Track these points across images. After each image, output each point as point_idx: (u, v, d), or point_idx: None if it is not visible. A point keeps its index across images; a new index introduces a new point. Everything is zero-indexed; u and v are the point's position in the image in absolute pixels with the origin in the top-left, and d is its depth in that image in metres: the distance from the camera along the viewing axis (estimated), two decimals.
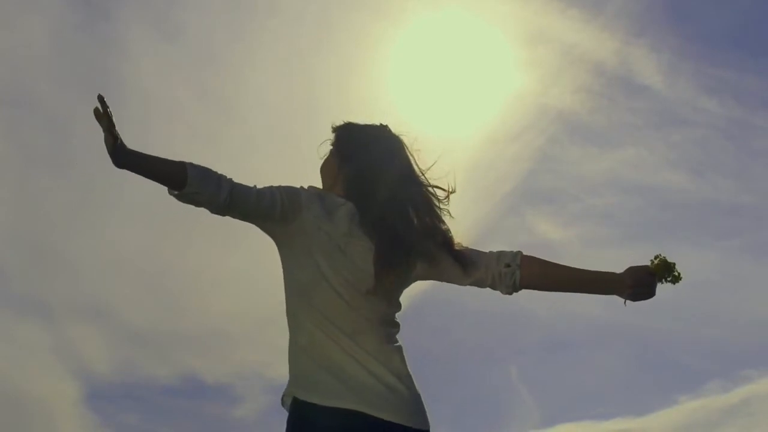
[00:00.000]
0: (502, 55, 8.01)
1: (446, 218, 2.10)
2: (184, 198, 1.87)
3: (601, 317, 9.03)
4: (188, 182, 1.84)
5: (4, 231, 8.19)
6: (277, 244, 2.03)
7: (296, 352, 1.96)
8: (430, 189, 2.10)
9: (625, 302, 2.04)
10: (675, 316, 8.71)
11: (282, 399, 1.98)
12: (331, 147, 2.18)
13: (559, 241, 8.85)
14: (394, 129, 2.15)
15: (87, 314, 8.45)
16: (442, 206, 2.10)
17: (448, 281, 2.15)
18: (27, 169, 8.18)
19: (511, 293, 2.08)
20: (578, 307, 9.07)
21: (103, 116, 1.81)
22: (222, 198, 1.88)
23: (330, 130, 2.20)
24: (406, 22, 7.77)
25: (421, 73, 7.74)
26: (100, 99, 1.82)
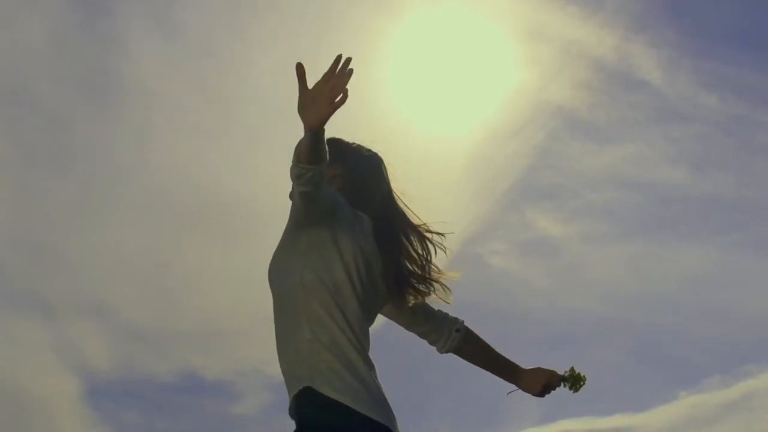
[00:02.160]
0: (501, 51, 8.01)
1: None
2: (312, 171, 1.73)
3: (600, 313, 9.05)
4: (324, 159, 1.74)
5: (4, 229, 8.20)
6: (299, 232, 1.93)
7: (315, 346, 1.85)
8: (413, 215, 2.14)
9: (509, 393, 2.26)
10: (675, 311, 8.72)
11: (297, 397, 1.86)
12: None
13: (559, 237, 8.86)
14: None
15: (87, 312, 8.46)
16: (430, 238, 2.13)
17: (395, 319, 2.23)
18: (27, 168, 8.18)
19: (443, 353, 2.24)
20: (578, 302, 9.08)
21: (346, 77, 1.62)
22: (320, 182, 1.79)
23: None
24: (406, 19, 7.77)
25: (421, 69, 7.74)
26: (347, 61, 1.62)
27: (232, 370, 8.47)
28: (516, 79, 8.05)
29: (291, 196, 1.92)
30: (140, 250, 8.47)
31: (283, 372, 1.94)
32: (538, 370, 2.24)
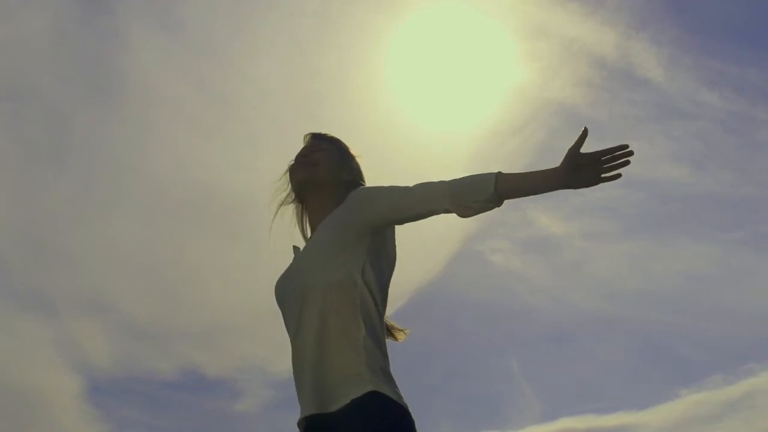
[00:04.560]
0: (502, 48, 8.00)
1: None
2: (490, 208, 1.86)
3: (602, 311, 9.05)
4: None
5: (5, 226, 8.20)
6: (367, 232, 1.93)
7: (369, 344, 1.84)
8: None
9: None
10: (676, 309, 8.72)
11: (361, 400, 1.77)
12: (333, 144, 2.16)
13: (561, 235, 8.86)
14: None
15: (88, 309, 8.47)
16: None
17: None
18: (28, 164, 8.18)
19: None
20: (579, 300, 9.08)
21: (623, 164, 1.79)
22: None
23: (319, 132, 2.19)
24: (407, 16, 7.76)
25: (422, 66, 7.74)
26: (629, 152, 1.78)
27: (234, 368, 8.48)
28: (517, 76, 8.04)
29: (387, 196, 1.93)
30: (141, 247, 8.48)
31: (326, 365, 1.84)
32: None
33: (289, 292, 1.98)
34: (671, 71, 8.54)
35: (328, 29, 7.86)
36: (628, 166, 1.80)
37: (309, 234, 2.13)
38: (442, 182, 1.89)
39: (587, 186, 1.79)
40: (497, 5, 8.03)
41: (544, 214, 8.88)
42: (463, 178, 1.86)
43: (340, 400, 1.79)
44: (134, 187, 8.27)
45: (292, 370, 1.96)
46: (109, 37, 7.80)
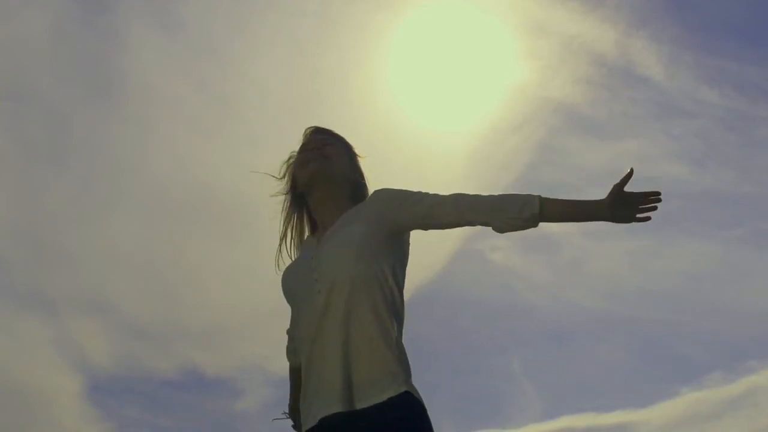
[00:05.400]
0: (502, 46, 7.99)
1: None
2: (527, 228, 1.89)
3: (602, 309, 9.05)
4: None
5: (6, 225, 8.20)
6: (396, 233, 1.95)
7: (400, 342, 1.85)
8: None
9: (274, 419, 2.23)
10: (677, 307, 8.73)
11: (393, 400, 1.74)
12: (339, 141, 2.14)
13: (561, 233, 8.86)
14: None
15: (88, 308, 8.46)
16: None
17: None
18: (28, 163, 8.18)
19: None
20: (579, 298, 9.08)
21: (653, 209, 1.87)
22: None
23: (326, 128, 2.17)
24: (407, 15, 7.76)
25: (422, 65, 7.73)
26: (659, 199, 1.87)
27: (234, 367, 8.48)
28: (517, 74, 8.04)
29: (420, 200, 1.94)
30: (141, 246, 8.48)
31: (357, 361, 1.79)
32: None
33: (306, 284, 1.91)
34: (671, 69, 8.54)
35: (328, 29, 7.85)
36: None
37: (297, 228, 2.13)
38: (479, 195, 1.91)
39: (624, 222, 1.88)
40: (497, 3, 8.03)
41: None
42: (506, 194, 1.90)
43: (370, 399, 1.75)
44: (134, 187, 8.27)
45: (305, 366, 1.87)
46: (109, 37, 7.80)
